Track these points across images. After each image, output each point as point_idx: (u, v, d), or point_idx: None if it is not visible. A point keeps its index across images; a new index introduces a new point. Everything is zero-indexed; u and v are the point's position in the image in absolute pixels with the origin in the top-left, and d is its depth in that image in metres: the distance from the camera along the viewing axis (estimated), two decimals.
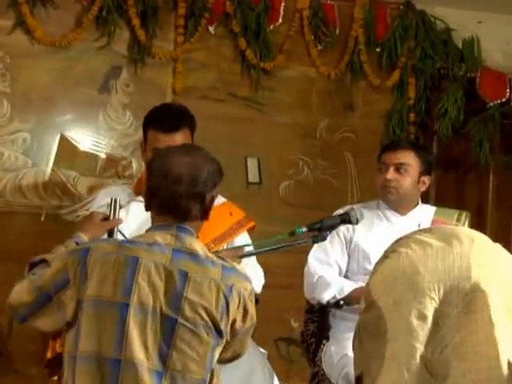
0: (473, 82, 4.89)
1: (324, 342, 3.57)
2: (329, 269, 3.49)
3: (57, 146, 4.43)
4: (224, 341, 2.33)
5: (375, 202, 3.70)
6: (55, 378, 3.36)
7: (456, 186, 4.98)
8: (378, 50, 5.02)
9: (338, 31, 4.91)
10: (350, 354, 3.23)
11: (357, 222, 3.11)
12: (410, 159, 3.52)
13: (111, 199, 2.74)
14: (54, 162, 4.42)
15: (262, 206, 4.59)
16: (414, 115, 5.08)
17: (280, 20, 4.80)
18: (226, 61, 4.73)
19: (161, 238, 2.28)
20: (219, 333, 2.28)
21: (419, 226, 3.54)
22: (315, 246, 3.63)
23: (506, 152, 4.84)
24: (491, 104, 4.85)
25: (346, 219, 3.06)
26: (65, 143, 4.44)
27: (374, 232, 3.59)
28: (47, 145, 4.40)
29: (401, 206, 3.58)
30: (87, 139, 4.50)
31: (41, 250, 3.98)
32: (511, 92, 4.88)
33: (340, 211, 3.60)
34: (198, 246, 2.32)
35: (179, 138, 3.51)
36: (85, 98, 4.48)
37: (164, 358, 2.24)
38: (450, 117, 4.90)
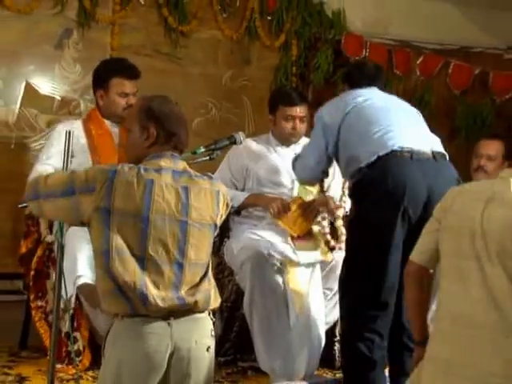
0: (339, 43, 5.39)
1: (225, 240, 3.93)
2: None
3: (23, 90, 4.75)
4: (217, 230, 2.54)
5: (265, 135, 4.00)
6: (24, 268, 3.83)
7: None
8: (269, 18, 5.35)
9: (238, 3, 5.26)
10: (249, 245, 3.68)
11: (240, 143, 3.36)
12: (307, 112, 3.89)
13: (66, 132, 2.71)
14: (21, 103, 4.73)
15: None
16: (295, 68, 5.37)
17: None
18: (153, 25, 5.05)
19: (164, 162, 2.42)
20: (215, 226, 2.51)
21: (295, 153, 3.74)
22: (218, 169, 3.90)
23: None
24: (352, 59, 5.29)
25: (232, 140, 3.29)
26: (29, 88, 4.76)
27: (265, 160, 3.93)
28: (16, 89, 4.74)
29: (290, 142, 3.95)
30: (46, 85, 4.80)
31: (12, 171, 4.37)
32: (366, 51, 5.40)
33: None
34: (187, 167, 2.49)
35: (136, 85, 3.79)
36: (44, 53, 4.75)
37: (182, 252, 2.39)
38: (322, 70, 5.32)
